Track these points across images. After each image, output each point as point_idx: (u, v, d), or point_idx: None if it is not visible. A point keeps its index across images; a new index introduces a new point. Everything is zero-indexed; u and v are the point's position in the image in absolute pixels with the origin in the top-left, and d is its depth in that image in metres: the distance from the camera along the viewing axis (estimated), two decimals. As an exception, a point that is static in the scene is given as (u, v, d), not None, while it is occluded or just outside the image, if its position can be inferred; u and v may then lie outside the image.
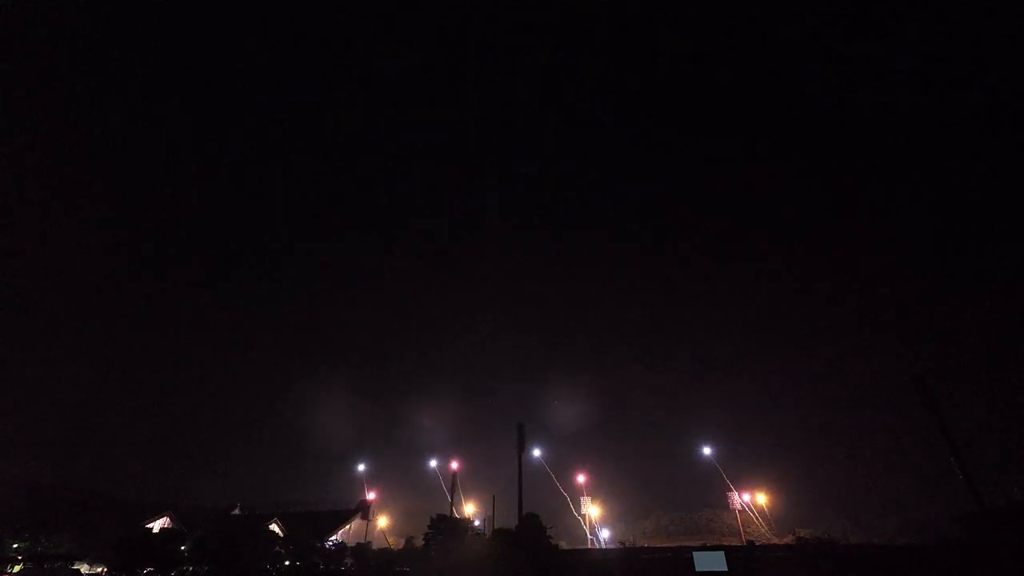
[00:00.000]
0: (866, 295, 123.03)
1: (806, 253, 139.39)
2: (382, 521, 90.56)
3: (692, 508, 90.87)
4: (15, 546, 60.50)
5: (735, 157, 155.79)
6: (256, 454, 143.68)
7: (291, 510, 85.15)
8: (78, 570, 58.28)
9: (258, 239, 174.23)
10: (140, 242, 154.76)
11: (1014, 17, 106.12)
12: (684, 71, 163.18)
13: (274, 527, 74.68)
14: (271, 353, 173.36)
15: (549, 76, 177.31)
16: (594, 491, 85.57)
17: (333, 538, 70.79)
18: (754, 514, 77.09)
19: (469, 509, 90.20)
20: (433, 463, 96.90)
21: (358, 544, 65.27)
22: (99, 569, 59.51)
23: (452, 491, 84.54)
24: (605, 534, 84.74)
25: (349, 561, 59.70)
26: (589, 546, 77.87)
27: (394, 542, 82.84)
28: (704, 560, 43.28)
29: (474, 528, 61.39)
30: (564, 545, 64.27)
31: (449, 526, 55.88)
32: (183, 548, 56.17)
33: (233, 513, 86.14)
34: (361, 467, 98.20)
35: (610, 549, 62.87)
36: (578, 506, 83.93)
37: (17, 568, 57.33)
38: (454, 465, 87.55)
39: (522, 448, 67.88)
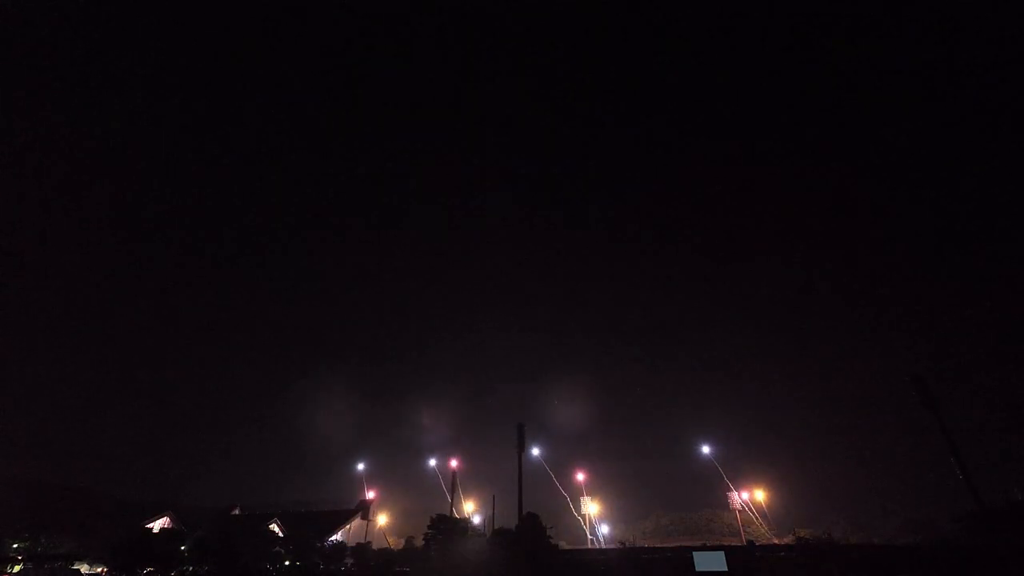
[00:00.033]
0: (866, 295, 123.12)
1: (806, 253, 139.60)
2: (382, 519, 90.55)
3: (692, 508, 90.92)
4: (15, 546, 60.54)
5: (735, 157, 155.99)
6: (256, 454, 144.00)
7: (291, 510, 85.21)
8: (78, 570, 58.31)
9: (258, 239, 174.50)
10: (140, 242, 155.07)
11: (1014, 17, 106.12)
12: (684, 71, 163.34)
13: (274, 527, 74.71)
14: (271, 353, 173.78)
15: (549, 76, 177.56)
16: (594, 488, 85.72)
17: (333, 538, 70.79)
18: (754, 514, 77.09)
19: (469, 507, 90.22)
20: (432, 462, 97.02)
21: (358, 544, 65.28)
22: (99, 569, 59.51)
23: (452, 491, 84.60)
24: (604, 530, 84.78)
25: (349, 561, 59.71)
26: (589, 546, 77.89)
27: (394, 542, 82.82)
28: (704, 560, 43.32)
29: (474, 528, 61.39)
30: (564, 545, 64.27)
31: (449, 526, 55.86)
32: (183, 548, 56.21)
33: (233, 513, 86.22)
34: (361, 466, 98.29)
35: (610, 549, 62.85)
36: (578, 506, 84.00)
37: (17, 568, 57.34)
38: (453, 464, 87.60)
39: (522, 448, 67.87)
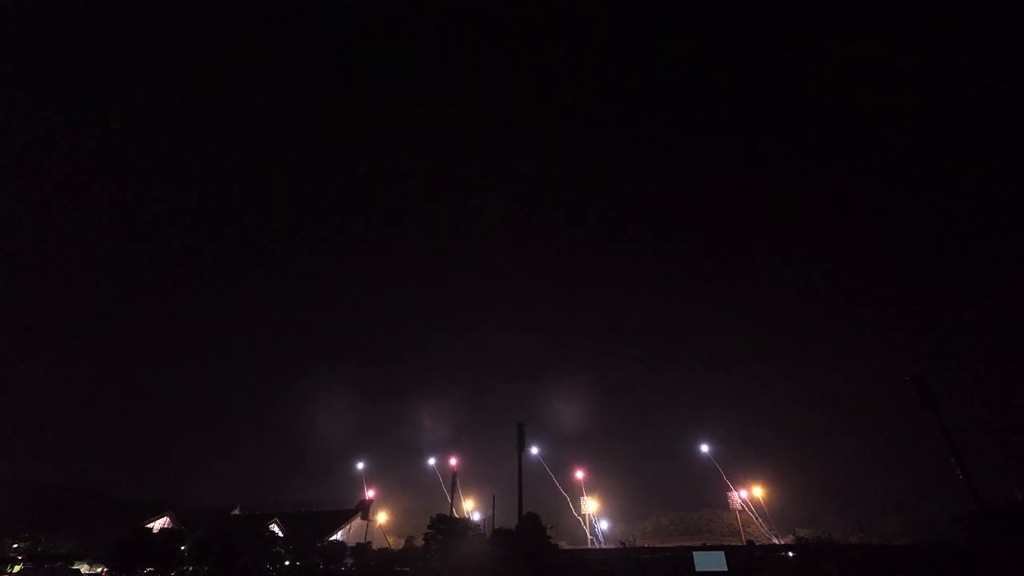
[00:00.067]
0: (866, 295, 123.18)
1: (806, 253, 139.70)
2: (381, 517, 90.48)
3: (692, 508, 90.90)
4: (15, 546, 60.54)
5: (735, 157, 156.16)
6: (256, 454, 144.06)
7: (291, 510, 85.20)
8: (78, 570, 58.33)
9: (258, 239, 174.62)
10: (140, 242, 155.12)
11: (1014, 17, 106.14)
12: (684, 71, 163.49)
13: (274, 527, 74.71)
14: (271, 353, 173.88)
15: (549, 76, 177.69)
16: (593, 486, 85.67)
17: (333, 538, 70.79)
18: (754, 514, 77.07)
19: (468, 505, 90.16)
20: (431, 461, 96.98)
21: (358, 544, 65.27)
22: (99, 569, 59.53)
23: (452, 491, 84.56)
24: (604, 525, 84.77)
25: (349, 561, 59.71)
26: (589, 546, 77.87)
27: (394, 542, 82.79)
28: (704, 560, 43.34)
29: (474, 526, 61.34)
30: (564, 545, 64.25)
31: (449, 526, 55.86)
32: (183, 548, 56.17)
33: (233, 513, 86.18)
34: (360, 466, 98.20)
35: (610, 549, 62.90)
36: (578, 506, 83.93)
37: (17, 568, 57.35)
38: (453, 462, 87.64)
39: (522, 448, 67.85)
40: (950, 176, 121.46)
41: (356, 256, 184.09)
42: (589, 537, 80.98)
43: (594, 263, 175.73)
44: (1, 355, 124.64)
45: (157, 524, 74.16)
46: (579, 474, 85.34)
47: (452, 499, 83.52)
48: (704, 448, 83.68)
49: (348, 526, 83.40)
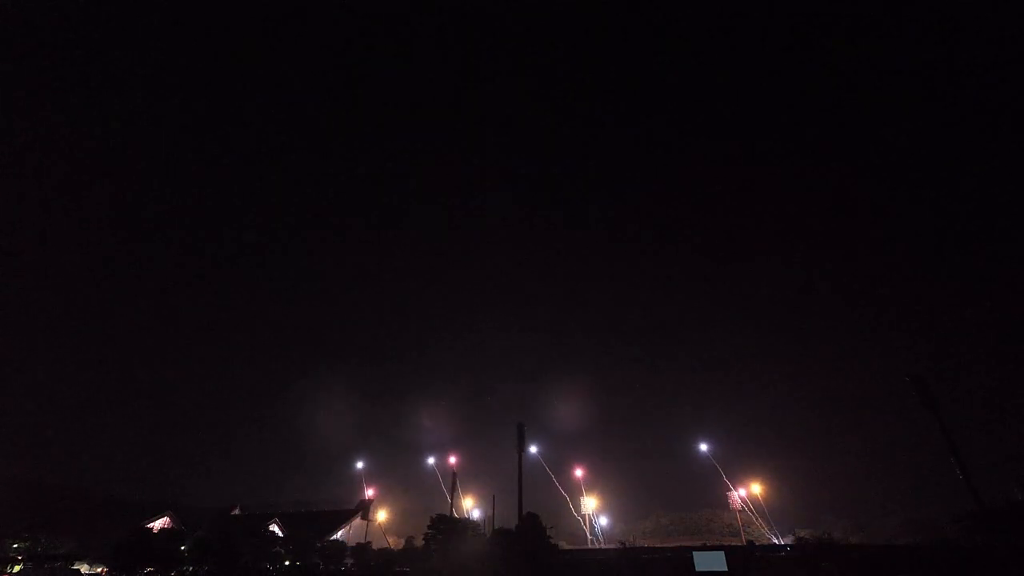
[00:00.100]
0: (866, 295, 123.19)
1: (806, 253, 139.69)
2: (381, 515, 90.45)
3: (692, 508, 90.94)
4: (15, 546, 60.51)
5: (735, 157, 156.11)
6: (256, 454, 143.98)
7: (291, 510, 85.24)
8: (78, 570, 58.31)
9: (258, 239, 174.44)
10: (140, 242, 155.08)
11: (1014, 17, 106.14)
12: (684, 71, 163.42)
13: (274, 527, 74.72)
14: (271, 353, 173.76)
15: (549, 76, 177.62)
16: (593, 485, 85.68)
17: (333, 538, 70.80)
18: (754, 514, 77.09)
19: (468, 503, 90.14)
20: (431, 460, 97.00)
21: (358, 544, 65.27)
22: (99, 569, 59.52)
23: (452, 491, 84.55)
24: (603, 522, 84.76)
25: (349, 561, 59.70)
26: (589, 546, 77.87)
27: (394, 542, 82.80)
28: (704, 560, 43.31)
29: (474, 527, 61.30)
30: (564, 545, 64.23)
31: (449, 526, 55.86)
32: (183, 548, 56.17)
33: (233, 513, 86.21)
34: (360, 465, 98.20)
35: (610, 549, 62.87)
36: (578, 506, 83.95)
37: (17, 568, 57.35)
38: (452, 460, 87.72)
39: (522, 448, 67.81)
40: (950, 176, 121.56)
41: (356, 256, 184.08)
42: (589, 537, 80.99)
43: (594, 263, 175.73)
44: (1, 355, 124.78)
45: (157, 524, 74.16)
46: (578, 472, 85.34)
47: (452, 499, 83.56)
48: (703, 447, 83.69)
49: (348, 526, 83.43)
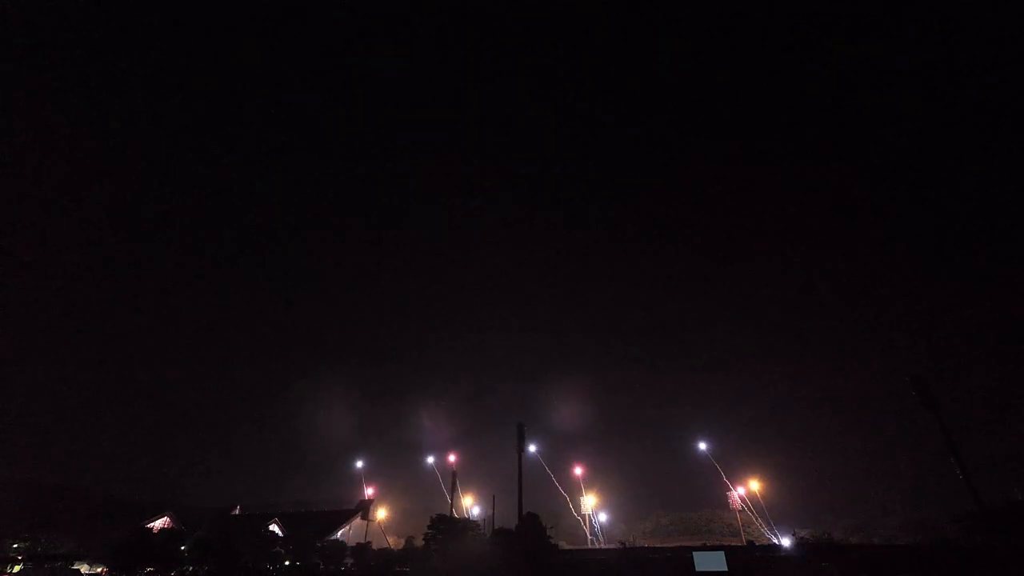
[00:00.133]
0: (866, 295, 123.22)
1: (806, 253, 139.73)
2: (381, 513, 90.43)
3: (692, 508, 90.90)
4: (15, 546, 60.53)
5: (735, 157, 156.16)
6: (256, 454, 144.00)
7: (291, 510, 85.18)
8: (78, 570, 58.31)
9: (258, 239, 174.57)
10: (140, 242, 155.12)
11: (1014, 17, 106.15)
12: (684, 71, 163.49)
13: (274, 527, 74.71)
14: (271, 353, 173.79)
15: (549, 76, 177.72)
16: (592, 484, 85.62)
17: (333, 538, 70.78)
18: (754, 514, 77.09)
19: (467, 501, 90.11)
20: (430, 460, 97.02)
21: (358, 544, 65.27)
22: (99, 569, 59.53)
23: (452, 490, 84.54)
24: (603, 518, 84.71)
25: (349, 561, 59.69)
26: (589, 546, 77.85)
27: (394, 542, 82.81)
28: (704, 560, 43.32)
29: (474, 527, 61.29)
30: (564, 545, 64.24)
31: (449, 526, 55.87)
32: (183, 548, 56.18)
33: (233, 513, 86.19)
34: (360, 464, 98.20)
35: (610, 549, 62.90)
36: (578, 506, 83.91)
37: (17, 568, 57.35)
38: (452, 458, 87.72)
39: (522, 448, 67.80)
40: (950, 176, 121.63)
41: (356, 256, 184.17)
42: (589, 537, 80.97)
43: (594, 263, 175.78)
44: (1, 355, 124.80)
45: (157, 524, 74.17)
46: (578, 471, 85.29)
47: (452, 499, 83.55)
48: (702, 446, 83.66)
49: (348, 526, 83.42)
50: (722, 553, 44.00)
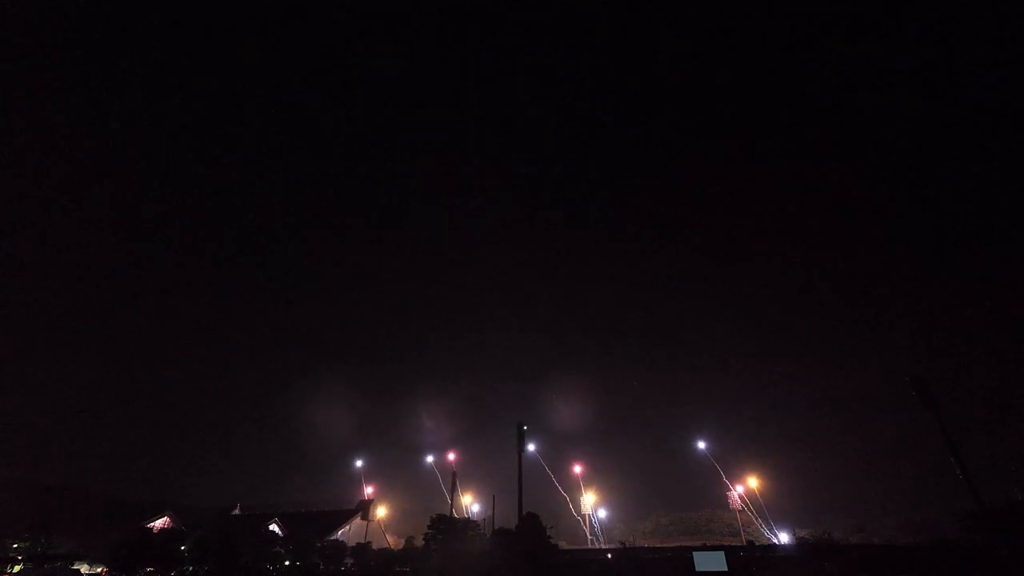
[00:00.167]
0: (866, 295, 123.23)
1: (806, 253, 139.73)
2: (381, 511, 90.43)
3: (692, 508, 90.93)
4: (15, 546, 60.50)
5: (735, 157, 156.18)
6: (256, 454, 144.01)
7: (291, 510, 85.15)
8: (78, 570, 58.28)
9: (258, 239, 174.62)
10: (140, 242, 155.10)
11: (1014, 17, 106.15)
12: (684, 71, 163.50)
13: (274, 527, 74.71)
14: (271, 353, 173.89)
15: (549, 76, 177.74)
16: (592, 481, 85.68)
17: (333, 538, 70.78)
18: (754, 514, 77.12)
19: (467, 499, 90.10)
20: (430, 459, 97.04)
21: (358, 544, 65.27)
22: (99, 569, 59.52)
23: (452, 490, 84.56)
24: (602, 514, 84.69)
25: (349, 561, 59.68)
26: (589, 546, 77.86)
27: (394, 542, 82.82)
28: (704, 560, 43.31)
29: (474, 527, 61.30)
30: (564, 545, 64.24)
31: (449, 526, 55.87)
32: (183, 548, 56.18)
33: (233, 513, 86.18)
34: (359, 463, 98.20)
35: (610, 548, 62.93)
36: (578, 506, 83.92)
37: (17, 568, 57.33)
38: (451, 457, 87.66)
39: (522, 448, 67.77)
40: (950, 176, 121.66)
41: (356, 256, 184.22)
42: (589, 537, 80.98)
43: (594, 263, 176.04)
44: (1, 355, 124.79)
45: (157, 524, 74.17)
46: (577, 469, 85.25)
47: (452, 498, 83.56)
48: (701, 444, 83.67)
49: (348, 526, 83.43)
50: (722, 553, 43.99)
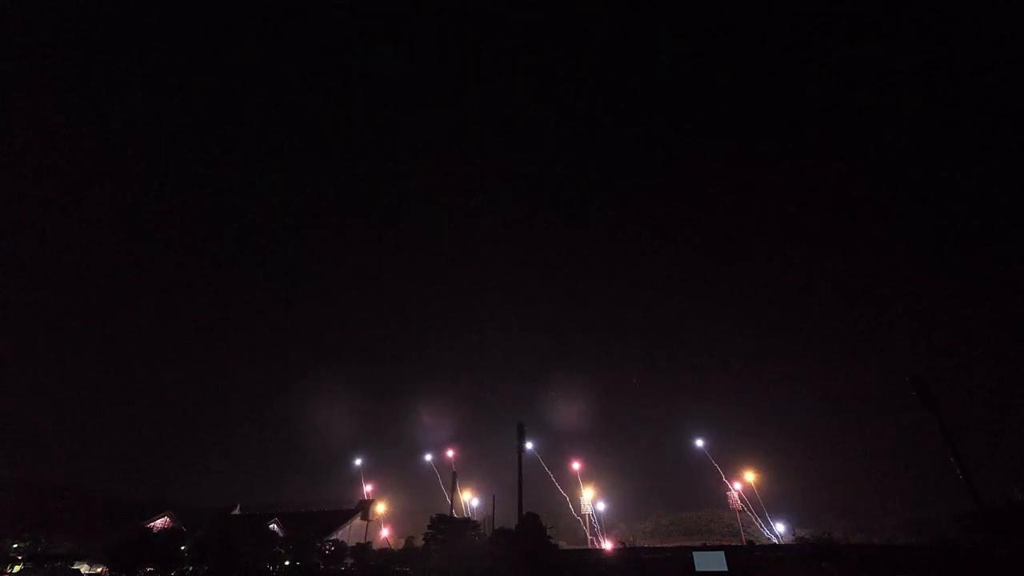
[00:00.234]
0: (866, 295, 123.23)
1: (806, 253, 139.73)
2: (380, 507, 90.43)
3: (692, 508, 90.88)
4: (15, 546, 60.51)
5: (735, 157, 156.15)
6: (256, 454, 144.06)
7: (291, 510, 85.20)
8: (78, 570, 58.29)
9: (258, 239, 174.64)
10: (140, 242, 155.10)
11: (1014, 17, 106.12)
12: (684, 71, 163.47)
13: (274, 527, 74.72)
14: (271, 353, 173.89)
15: (549, 76, 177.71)
16: (591, 477, 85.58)
17: (333, 538, 70.78)
18: (754, 514, 77.11)
19: (466, 496, 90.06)
20: (428, 457, 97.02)
21: (358, 544, 65.28)
22: (99, 569, 59.51)
23: (452, 490, 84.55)
24: (601, 507, 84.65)
25: (349, 561, 59.69)
26: (589, 546, 77.84)
27: (394, 541, 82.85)
28: (704, 560, 43.31)
29: (474, 526, 61.27)
30: (564, 545, 64.22)
31: (449, 526, 55.85)
32: (183, 548, 56.17)
33: (233, 513, 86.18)
34: (359, 462, 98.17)
35: (610, 548, 62.96)
36: (578, 506, 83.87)
37: (17, 568, 57.33)
38: (450, 454, 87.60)
39: (522, 448, 67.75)
40: (950, 176, 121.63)
41: (356, 256, 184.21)
42: (589, 537, 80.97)
43: (594, 263, 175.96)
44: (1, 355, 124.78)
45: (157, 524, 74.14)
46: (575, 465, 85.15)
47: (452, 498, 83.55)
48: (699, 443, 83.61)
49: (348, 526, 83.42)
50: (722, 553, 43.99)
